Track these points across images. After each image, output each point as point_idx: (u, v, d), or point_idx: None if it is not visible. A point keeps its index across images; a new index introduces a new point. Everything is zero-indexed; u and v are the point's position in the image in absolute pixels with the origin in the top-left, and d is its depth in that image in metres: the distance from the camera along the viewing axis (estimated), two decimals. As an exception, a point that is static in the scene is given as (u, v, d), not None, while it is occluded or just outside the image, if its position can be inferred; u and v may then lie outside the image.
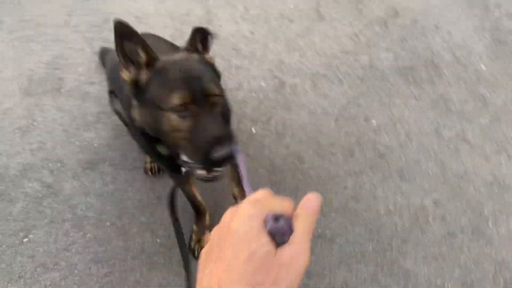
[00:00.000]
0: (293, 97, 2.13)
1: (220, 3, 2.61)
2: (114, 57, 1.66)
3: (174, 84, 1.03)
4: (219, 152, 0.99)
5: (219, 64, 2.29)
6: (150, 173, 1.86)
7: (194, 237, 1.67)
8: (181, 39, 2.40)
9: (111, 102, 1.80)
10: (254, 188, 0.55)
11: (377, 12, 2.46)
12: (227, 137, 1.02)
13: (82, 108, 2.10)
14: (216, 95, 1.06)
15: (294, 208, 0.50)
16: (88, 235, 1.73)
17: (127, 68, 1.09)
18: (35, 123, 2.06)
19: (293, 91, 2.15)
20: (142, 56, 1.08)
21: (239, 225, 0.45)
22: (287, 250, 0.45)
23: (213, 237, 0.48)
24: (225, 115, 1.17)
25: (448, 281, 1.62)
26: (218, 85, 1.10)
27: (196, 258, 1.67)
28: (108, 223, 1.76)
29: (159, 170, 1.86)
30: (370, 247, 1.69)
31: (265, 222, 0.46)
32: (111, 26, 2.33)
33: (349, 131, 2.01)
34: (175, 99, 1.01)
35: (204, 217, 1.66)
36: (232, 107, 1.32)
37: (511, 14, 2.48)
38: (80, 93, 2.16)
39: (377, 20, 2.43)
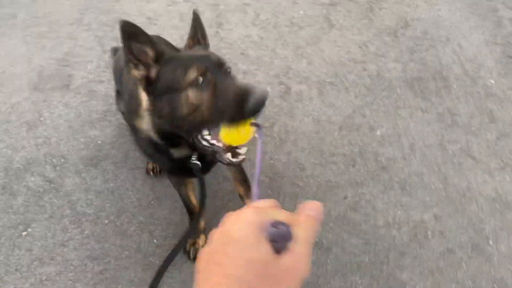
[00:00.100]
0: (298, 104, 2.13)
1: (232, 7, 2.62)
2: (118, 58, 1.68)
3: (187, 62, 1.06)
4: (254, 97, 0.96)
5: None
6: (151, 173, 1.87)
7: (189, 240, 1.67)
8: (190, 42, 2.42)
9: (118, 102, 1.82)
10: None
11: (387, 22, 2.45)
12: (252, 87, 0.99)
13: (89, 105, 2.13)
14: (227, 63, 1.11)
15: (295, 216, 0.50)
16: (86, 231, 1.75)
17: (136, 67, 1.10)
18: (41, 118, 2.09)
19: (299, 98, 2.15)
20: (150, 53, 1.09)
21: (240, 231, 0.45)
22: (286, 258, 0.45)
23: (214, 240, 0.48)
24: None
25: (445, 298, 1.59)
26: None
27: (191, 260, 1.67)
28: (106, 221, 1.78)
29: (160, 171, 1.86)
30: (366, 259, 1.67)
31: (265, 229, 0.46)
32: (121, 26, 2.33)
33: (352, 140, 1.99)
34: (192, 73, 1.03)
35: (199, 221, 1.66)
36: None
37: (525, 29, 2.45)
38: (87, 90, 2.19)
39: (387, 30, 2.42)
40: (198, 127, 1.09)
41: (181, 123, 1.09)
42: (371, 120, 2.06)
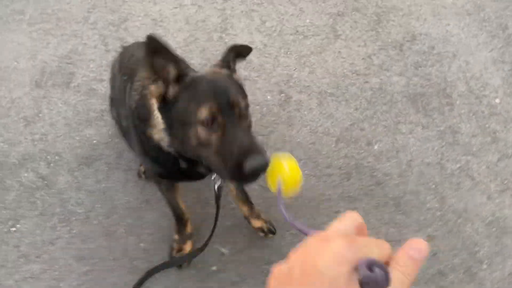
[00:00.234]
0: (297, 114, 2.10)
1: (238, 13, 2.61)
2: (114, 65, 1.68)
3: (201, 98, 1.03)
4: (253, 163, 0.96)
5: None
6: (143, 176, 1.86)
7: (175, 246, 1.66)
8: (194, 45, 2.42)
9: (111, 109, 1.81)
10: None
11: (394, 35, 2.41)
12: (259, 147, 1.00)
13: (87, 104, 2.13)
14: (242, 106, 1.06)
15: (393, 254, 0.43)
16: (74, 230, 1.75)
17: (155, 82, 1.07)
18: (40, 115, 2.09)
19: (298, 107, 2.13)
20: (172, 72, 1.06)
21: (328, 267, 0.39)
22: None
23: (294, 263, 0.42)
24: (250, 127, 1.15)
25: (432, 321, 1.55)
26: (245, 99, 1.10)
27: (178, 267, 1.66)
28: (95, 221, 1.77)
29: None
30: (354, 276, 1.63)
31: (358, 269, 0.40)
32: (127, 26, 2.38)
33: (349, 154, 1.96)
34: (203, 112, 1.01)
35: (186, 227, 1.65)
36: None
37: (535, 49, 2.39)
38: (87, 89, 2.19)
39: (393, 43, 2.38)
40: (206, 161, 1.10)
41: (192, 151, 1.11)
42: (369, 134, 2.02)
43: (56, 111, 2.10)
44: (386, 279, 0.39)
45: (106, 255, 1.69)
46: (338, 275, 0.38)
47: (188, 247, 1.67)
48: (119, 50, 1.84)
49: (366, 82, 2.22)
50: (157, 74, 1.05)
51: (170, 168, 1.33)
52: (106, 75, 2.24)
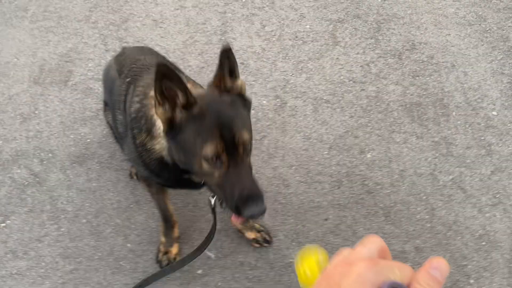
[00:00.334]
0: (291, 119, 2.10)
1: (239, 16, 2.61)
2: (109, 68, 1.67)
3: (208, 134, 1.04)
4: (251, 210, 1.04)
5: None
6: (135, 177, 1.87)
7: (162, 248, 1.66)
8: (193, 47, 2.42)
9: (105, 113, 1.81)
10: None
11: (394, 43, 2.40)
12: (258, 195, 1.05)
13: (83, 102, 2.15)
14: (247, 145, 1.08)
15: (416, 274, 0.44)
16: (62, 228, 1.76)
17: (162, 105, 1.07)
18: (36, 112, 2.11)
19: (293, 113, 2.12)
20: (180, 98, 1.06)
21: None
22: None
23: (318, 285, 0.44)
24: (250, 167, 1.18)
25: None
26: (248, 129, 1.11)
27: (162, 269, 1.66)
28: (84, 220, 1.78)
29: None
30: (339, 285, 1.62)
31: None
32: (128, 26, 2.39)
33: (341, 161, 1.95)
34: (208, 150, 1.03)
35: (173, 229, 1.65)
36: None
37: (537, 62, 2.37)
38: (84, 87, 2.21)
39: (393, 51, 2.37)
40: (209, 186, 1.18)
41: (194, 173, 1.17)
42: (363, 142, 2.01)
43: (52, 109, 2.12)
44: None
45: (93, 254, 1.70)
46: None
47: (174, 250, 1.67)
48: (119, 50, 1.84)
49: (363, 89, 2.21)
50: (165, 99, 1.06)
51: (169, 179, 1.34)
52: (103, 75, 2.26)
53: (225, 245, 1.72)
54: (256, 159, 1.95)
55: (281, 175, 1.91)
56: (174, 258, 1.65)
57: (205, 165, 1.06)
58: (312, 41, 2.45)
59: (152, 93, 1.19)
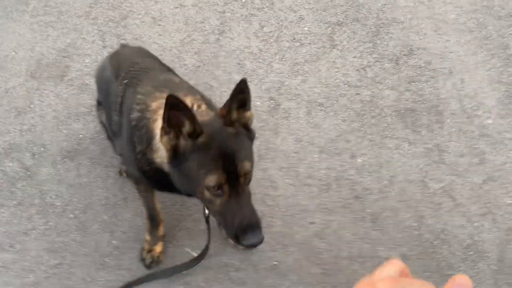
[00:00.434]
0: (284, 121, 2.09)
1: (238, 16, 2.61)
2: (104, 68, 1.67)
3: (211, 166, 1.08)
4: (250, 240, 1.11)
5: (221, 77, 2.29)
6: (124, 174, 1.88)
7: (146, 246, 1.67)
8: (190, 45, 2.43)
9: (98, 112, 1.82)
10: None
11: (391, 48, 2.38)
12: (256, 225, 1.12)
13: (78, 98, 2.16)
14: (248, 175, 1.13)
15: None
16: (50, 223, 1.77)
17: (167, 133, 1.10)
18: (31, 106, 2.13)
19: (286, 115, 2.12)
20: (187, 127, 1.08)
21: None
22: None
23: None
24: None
25: None
26: (250, 160, 1.15)
27: (147, 267, 1.66)
28: (71, 215, 1.80)
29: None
30: (322, 290, 1.62)
31: None
32: (127, 23, 2.38)
33: (331, 165, 1.94)
34: (211, 181, 1.08)
35: (158, 228, 1.65)
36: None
37: (537, 70, 2.33)
38: (80, 83, 2.22)
39: (390, 56, 2.35)
40: (209, 210, 1.26)
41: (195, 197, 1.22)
42: (354, 146, 2.00)
43: (47, 103, 2.14)
44: None
45: (78, 249, 1.71)
46: None
47: (158, 248, 1.67)
48: (116, 47, 1.84)
49: (357, 93, 2.19)
50: (171, 126, 1.08)
51: (160, 183, 1.35)
52: (99, 71, 2.27)
53: (210, 246, 1.72)
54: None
55: (270, 177, 1.91)
56: (158, 257, 1.66)
57: (207, 194, 1.11)
58: (309, 43, 2.44)
59: (153, 105, 1.26)
